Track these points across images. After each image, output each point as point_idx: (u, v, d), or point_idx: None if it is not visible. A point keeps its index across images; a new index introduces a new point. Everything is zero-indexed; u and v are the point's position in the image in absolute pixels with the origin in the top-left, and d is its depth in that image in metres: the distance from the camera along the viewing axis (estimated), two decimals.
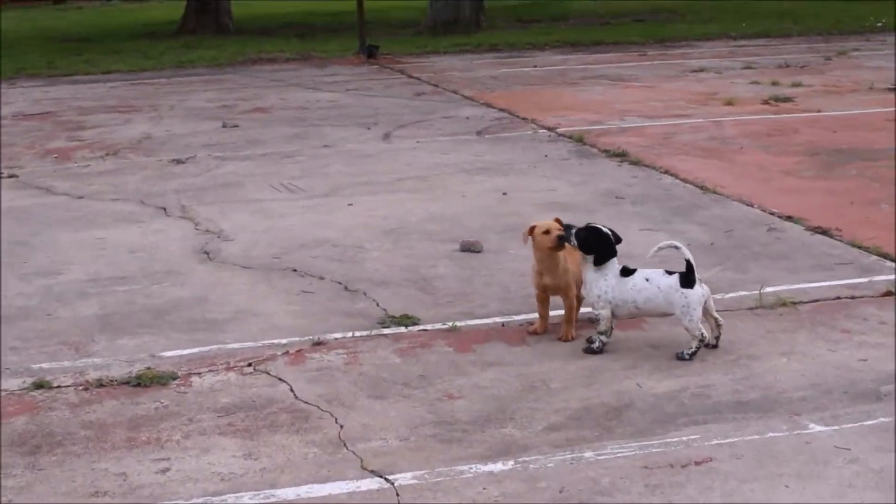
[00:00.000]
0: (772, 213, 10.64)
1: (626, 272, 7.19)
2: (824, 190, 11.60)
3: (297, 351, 7.38)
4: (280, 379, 6.94)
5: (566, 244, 7.33)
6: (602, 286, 7.14)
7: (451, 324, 7.81)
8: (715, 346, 7.17)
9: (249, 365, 7.17)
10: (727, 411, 6.35)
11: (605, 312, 7.17)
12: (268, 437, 6.17)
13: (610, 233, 7.29)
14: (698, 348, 7.09)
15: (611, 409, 6.41)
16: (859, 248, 9.40)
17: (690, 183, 11.94)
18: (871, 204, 10.96)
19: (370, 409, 6.50)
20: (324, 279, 8.88)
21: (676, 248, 7.20)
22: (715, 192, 11.49)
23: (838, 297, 8.21)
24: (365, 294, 8.51)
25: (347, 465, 5.84)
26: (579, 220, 10.59)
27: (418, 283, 8.76)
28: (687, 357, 7.07)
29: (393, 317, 7.98)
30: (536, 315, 7.79)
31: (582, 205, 11.13)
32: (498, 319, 7.94)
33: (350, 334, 7.66)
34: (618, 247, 7.31)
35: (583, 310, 7.74)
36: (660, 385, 6.74)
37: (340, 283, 8.76)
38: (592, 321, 7.64)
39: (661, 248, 7.28)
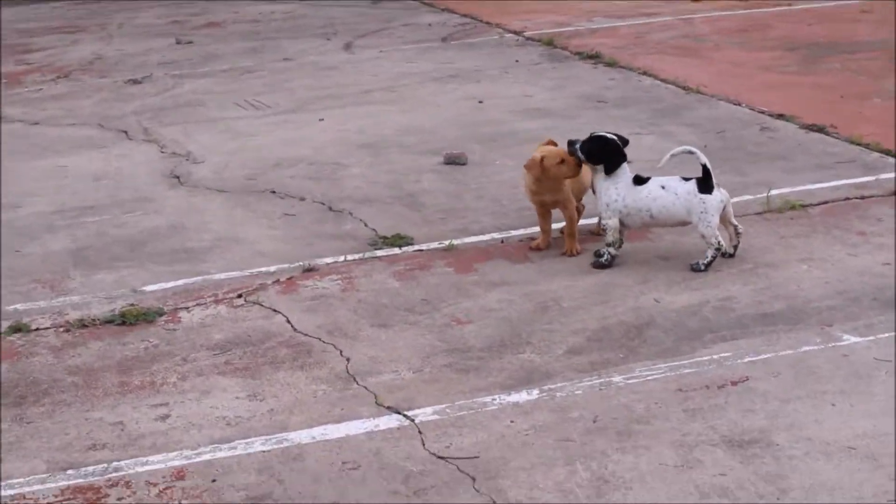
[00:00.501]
0: (761, 112, 10.25)
1: (640, 180, 6.79)
2: (810, 85, 11.22)
3: (288, 279, 6.93)
4: (274, 310, 6.50)
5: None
6: (612, 194, 6.73)
7: (447, 242, 7.39)
8: (732, 255, 6.79)
9: (239, 296, 6.72)
10: (754, 325, 5.99)
11: (612, 222, 6.77)
12: (270, 374, 5.74)
13: (615, 137, 6.86)
14: (714, 258, 6.72)
15: (631, 328, 6.03)
16: (859, 144, 9.05)
17: (671, 83, 11.52)
18: (861, 98, 10.60)
19: (375, 339, 6.08)
20: (304, 200, 8.41)
21: (691, 152, 6.79)
22: (698, 92, 11.07)
23: (847, 198, 7.87)
24: (351, 214, 8.06)
25: (361, 403, 5.43)
26: (564, 127, 10.20)
27: (405, 200, 8.31)
28: (702, 268, 6.70)
29: (384, 237, 7.54)
30: (536, 229, 7.38)
31: (562, 110, 10.69)
32: (496, 235, 7.53)
33: (342, 258, 7.23)
34: (628, 151, 6.88)
35: (583, 221, 7.32)
36: (678, 299, 6.36)
37: (323, 204, 8.30)
38: (593, 233, 7.25)
39: (673, 155, 6.87)
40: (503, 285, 6.69)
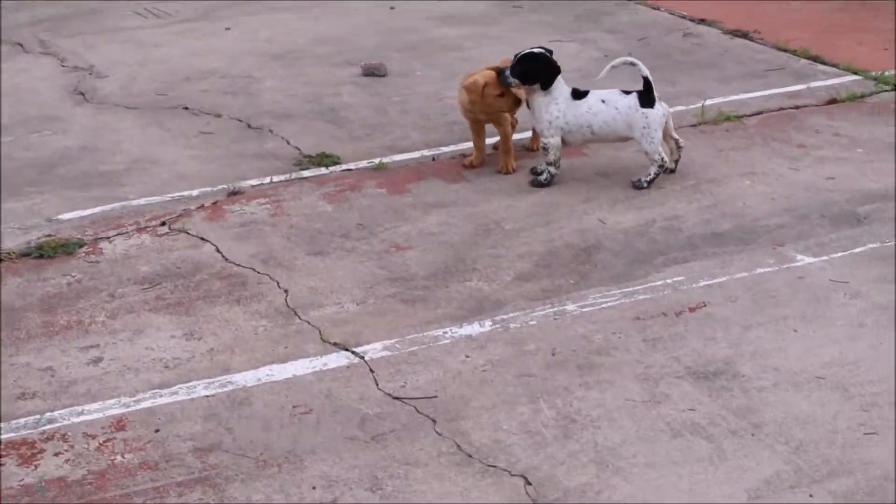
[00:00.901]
0: (682, 17, 10.05)
1: (578, 94, 6.53)
2: None
3: (213, 203, 6.59)
4: (202, 238, 6.17)
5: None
6: (553, 111, 6.47)
7: (376, 161, 7.08)
8: (673, 171, 6.60)
9: (163, 224, 6.37)
10: (705, 245, 5.82)
11: (554, 140, 6.53)
12: (206, 310, 5.43)
13: (543, 51, 6.58)
14: (657, 174, 6.52)
15: (579, 251, 5.82)
16: (785, 51, 8.91)
17: None
18: (779, 0, 10.41)
19: (313, 268, 5.79)
20: (221, 117, 8.02)
21: (632, 64, 6.55)
22: None
23: (781, 108, 7.72)
24: (271, 131, 7.69)
25: (305, 339, 5.15)
26: (485, 34, 9.89)
27: (326, 115, 7.96)
28: (645, 185, 6.51)
29: (310, 156, 7.22)
30: (468, 145, 7.12)
31: (479, 16, 10.36)
32: (426, 153, 7.24)
33: (268, 180, 6.89)
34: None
35: (515, 136, 7.06)
36: (624, 219, 6.16)
37: (240, 121, 7.92)
38: (527, 149, 7.01)
39: (614, 66, 6.61)
40: (440, 207, 6.42)
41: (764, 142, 7.11)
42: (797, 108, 7.67)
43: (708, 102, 7.67)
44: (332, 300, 5.46)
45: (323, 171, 7.01)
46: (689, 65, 8.65)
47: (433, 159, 7.12)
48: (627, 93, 6.47)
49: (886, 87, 7.88)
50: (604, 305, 5.30)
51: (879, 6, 10.03)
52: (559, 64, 6.60)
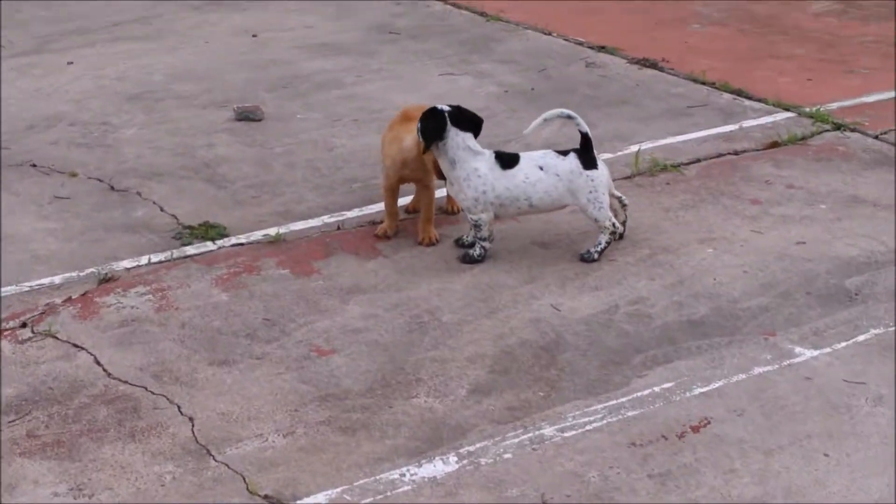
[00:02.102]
0: (580, 44, 9.21)
1: (506, 161, 5.56)
2: (621, 10, 10.21)
3: (83, 295, 5.43)
4: (75, 345, 5.03)
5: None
6: (476, 184, 5.51)
7: (272, 232, 5.97)
8: (622, 236, 5.70)
9: (24, 325, 5.19)
10: (685, 338, 4.95)
11: (485, 216, 5.59)
12: (94, 451, 4.33)
13: (448, 109, 5.63)
14: (608, 243, 5.65)
15: (539, 351, 4.87)
16: (703, 83, 8.16)
17: (465, 8, 10.28)
18: (679, 24, 9.69)
19: (219, 384, 4.72)
20: (77, 175, 6.84)
21: (569, 117, 5.62)
22: (499, 19, 9.89)
23: (720, 154, 6.91)
24: (139, 195, 6.55)
25: (228, 490, 4.09)
26: (365, 67, 8.84)
27: (202, 173, 6.84)
28: (595, 256, 5.62)
29: (190, 227, 6.11)
30: (372, 208, 6.20)
31: (354, 45, 9.33)
32: (328, 220, 6.22)
33: (145, 260, 5.76)
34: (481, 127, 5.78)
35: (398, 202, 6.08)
36: (580, 304, 5.24)
37: (101, 181, 6.75)
38: (445, 211, 6.07)
39: (546, 120, 5.67)
40: (359, 293, 5.39)
41: (713, 197, 6.26)
42: (736, 153, 6.88)
43: (636, 148, 6.77)
44: (252, 430, 4.39)
45: (209, 246, 5.91)
46: (601, 101, 7.78)
47: (338, 228, 6.08)
48: (563, 153, 5.57)
49: (826, 127, 7.13)
50: (588, 427, 4.36)
51: (786, 28, 9.36)
52: (479, 116, 5.63)
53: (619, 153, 6.86)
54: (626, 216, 5.78)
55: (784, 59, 8.59)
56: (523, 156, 5.64)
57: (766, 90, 7.84)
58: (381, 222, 6.05)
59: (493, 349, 4.91)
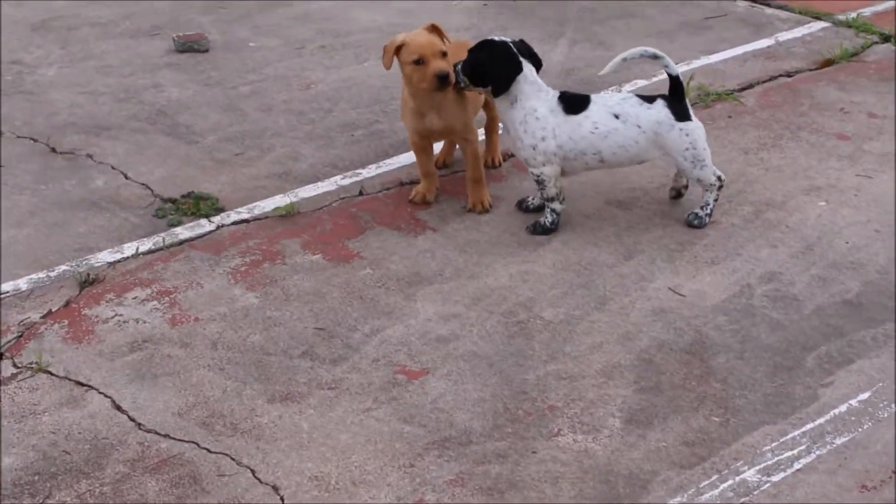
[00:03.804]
0: None
1: (573, 103, 4.54)
2: None
3: (66, 306, 4.22)
4: (79, 382, 3.83)
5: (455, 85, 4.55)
6: (535, 131, 4.51)
7: (283, 203, 4.80)
8: (680, 196, 4.69)
9: (1, 356, 3.89)
10: (852, 327, 4.07)
11: (548, 170, 4.52)
12: None
13: (506, 41, 4.55)
14: (716, 200, 4.59)
15: (685, 356, 3.90)
16: None
17: None
18: None
19: (294, 430, 3.60)
20: (3, 135, 5.43)
21: (655, 57, 4.52)
22: None
23: (771, 77, 6.00)
24: (91, 157, 5.28)
25: None
26: None
27: (159, 123, 5.56)
28: (706, 220, 4.64)
29: (172, 200, 4.89)
30: (393, 162, 5.12)
31: None
32: (342, 182, 5.03)
33: (130, 249, 4.56)
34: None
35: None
36: (703, 286, 4.27)
37: (36, 141, 5.43)
38: (485, 165, 4.91)
39: (625, 60, 4.57)
40: (423, 283, 4.28)
41: (790, 133, 5.30)
42: (789, 75, 5.89)
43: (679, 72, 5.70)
44: (366, 498, 3.23)
45: (204, 225, 4.70)
46: (603, 14, 6.73)
47: (360, 193, 4.87)
48: (649, 100, 4.47)
49: (873, 38, 6.20)
50: (796, 465, 3.42)
51: None
52: (539, 57, 4.55)
53: (654, 79, 5.77)
54: (687, 185, 4.76)
55: None
56: (595, 99, 4.54)
57: None
58: (414, 183, 4.87)
59: (627, 356, 3.85)
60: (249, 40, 6.50)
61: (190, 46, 6.32)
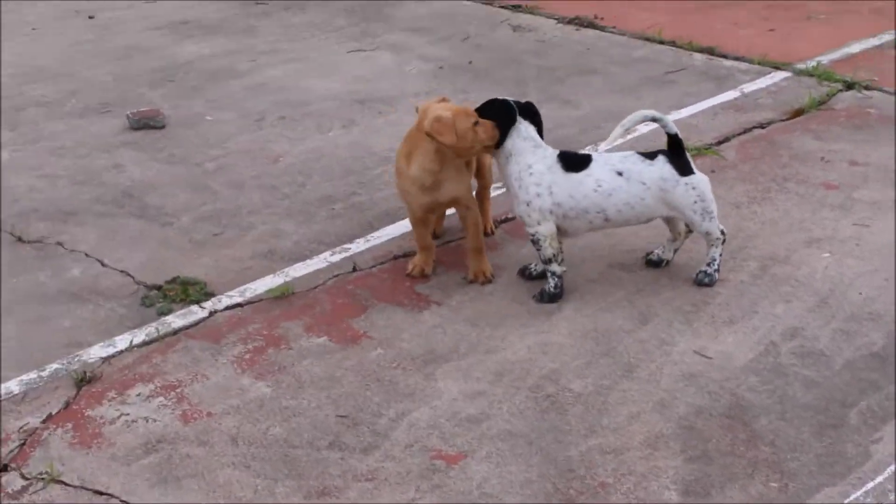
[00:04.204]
0: (487, 2, 7.93)
1: (573, 162, 4.43)
2: None
3: (66, 408, 3.99)
4: (98, 491, 3.63)
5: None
6: (530, 186, 4.41)
7: (274, 284, 4.61)
8: (668, 262, 4.64)
9: (5, 469, 3.70)
10: (885, 381, 3.98)
11: (543, 228, 4.43)
12: None
13: (510, 101, 4.53)
14: (720, 256, 4.52)
15: (725, 421, 3.81)
16: (662, 42, 7.09)
17: None
18: None
19: None
20: None
21: (656, 120, 4.46)
22: None
23: (746, 130, 5.97)
24: (62, 245, 5.06)
25: None
26: (250, 47, 7.36)
27: (126, 205, 5.38)
28: (716, 277, 4.58)
29: (157, 287, 4.70)
30: (378, 236, 5.07)
31: (220, 21, 7.95)
32: (332, 258, 4.87)
33: (123, 342, 4.34)
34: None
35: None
36: (728, 346, 4.20)
37: (0, 230, 5.13)
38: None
39: (626, 129, 4.52)
40: (440, 361, 4.13)
41: (777, 185, 5.27)
42: (762, 126, 5.87)
43: (647, 130, 5.67)
44: None
45: (196, 312, 4.49)
46: (562, 73, 6.65)
47: (353, 269, 4.70)
48: (649, 156, 4.39)
49: (836, 86, 6.23)
50: None
51: None
52: (541, 118, 4.54)
53: (630, 136, 5.70)
54: (682, 244, 4.66)
55: (729, 8, 7.62)
56: (596, 157, 4.44)
57: (737, 46, 6.90)
58: (407, 256, 4.72)
59: (667, 425, 3.73)
60: (205, 114, 6.30)
61: (146, 123, 6.10)
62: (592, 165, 4.43)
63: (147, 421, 3.85)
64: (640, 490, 3.47)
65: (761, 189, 5.25)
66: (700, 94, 6.27)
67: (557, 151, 4.47)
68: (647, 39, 7.05)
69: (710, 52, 6.81)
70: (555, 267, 4.46)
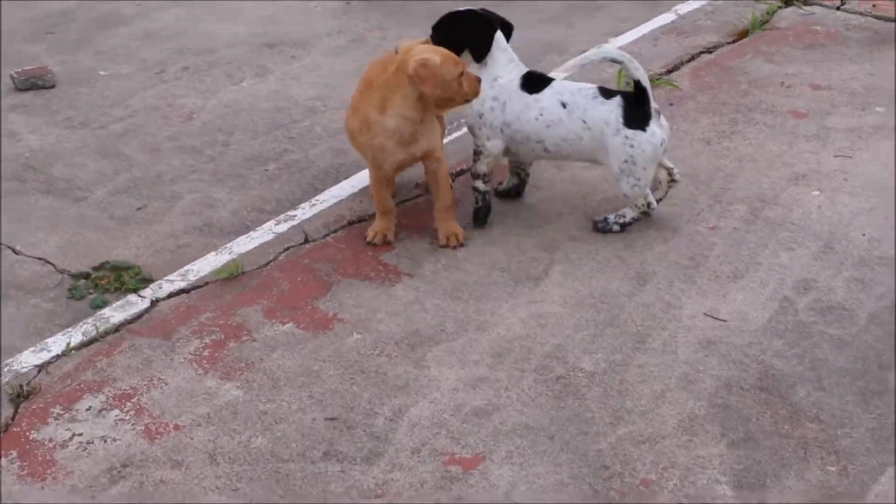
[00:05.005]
0: None
1: (533, 82, 4.11)
2: None
3: (5, 431, 3.44)
4: None
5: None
6: (488, 98, 4.08)
7: (220, 262, 4.09)
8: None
9: None
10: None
11: (491, 145, 4.16)
12: None
13: (482, 13, 4.16)
14: (634, 220, 4.11)
15: (761, 394, 3.47)
16: None
17: None
18: None
19: None
20: None
21: (616, 61, 4.05)
22: None
23: (693, 56, 5.55)
24: None
25: None
26: None
27: (30, 179, 4.81)
28: (616, 229, 4.20)
29: (85, 275, 4.13)
30: (323, 200, 4.59)
31: None
32: (278, 228, 4.37)
33: (57, 345, 3.78)
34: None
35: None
36: (739, 306, 3.89)
37: None
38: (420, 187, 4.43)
39: (584, 65, 4.10)
40: (428, 344, 3.73)
41: (743, 116, 4.94)
42: (709, 51, 5.52)
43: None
44: None
45: (136, 302, 3.96)
46: (478, 4, 6.10)
47: (305, 240, 4.20)
48: (608, 94, 3.98)
49: (775, 2, 5.89)
50: None
51: None
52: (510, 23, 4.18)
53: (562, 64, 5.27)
54: (666, 192, 4.26)
55: None
56: (555, 83, 4.04)
57: None
58: (363, 221, 4.25)
59: (699, 404, 3.35)
60: (98, 69, 5.67)
61: (33, 83, 5.45)
62: (545, 91, 4.13)
63: (105, 441, 3.32)
64: (687, 486, 3.09)
65: (728, 121, 4.89)
66: (634, 19, 5.87)
67: (526, 69, 4.05)
68: None
69: None
70: (479, 183, 4.20)
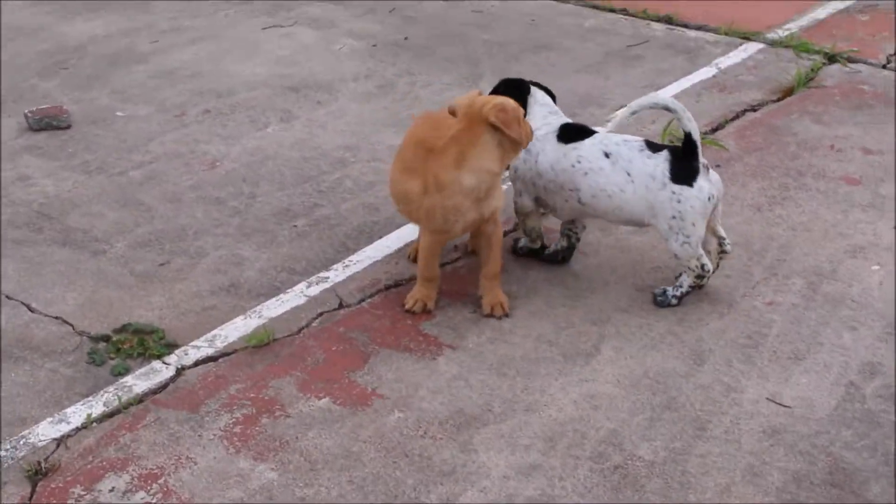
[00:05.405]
0: None
1: (569, 133, 3.95)
2: None
3: None
4: None
5: None
6: (521, 153, 3.96)
7: (248, 328, 3.85)
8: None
9: None
10: None
11: (521, 201, 4.17)
12: None
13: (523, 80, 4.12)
14: (693, 288, 3.92)
15: (831, 490, 3.26)
16: (612, 11, 6.45)
17: None
18: None
19: None
20: None
21: (668, 109, 3.85)
22: None
23: (738, 115, 5.35)
24: None
25: None
26: (148, 23, 6.49)
27: (45, 229, 4.54)
28: (674, 302, 3.97)
29: (105, 338, 3.87)
30: (358, 260, 4.22)
31: None
32: (309, 291, 4.14)
33: (77, 417, 3.54)
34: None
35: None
36: (802, 390, 3.65)
37: None
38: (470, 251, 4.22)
39: (634, 113, 3.90)
40: (474, 425, 3.49)
41: (795, 181, 4.73)
42: (754, 109, 5.28)
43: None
44: None
45: (161, 370, 3.71)
46: (514, 48, 5.99)
47: (340, 305, 3.96)
48: (655, 148, 3.75)
49: (817, 59, 5.69)
50: None
51: None
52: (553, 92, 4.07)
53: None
54: (719, 263, 4.04)
55: None
56: (600, 135, 3.89)
57: (695, 13, 6.33)
58: (399, 285, 4.02)
59: (766, 500, 3.11)
60: (115, 108, 5.45)
61: (48, 123, 5.23)
62: (586, 140, 3.92)
63: None
64: None
65: (778, 186, 4.67)
66: (674, 72, 5.66)
67: (565, 121, 3.85)
68: (595, 7, 6.38)
69: (668, 20, 6.20)
70: (528, 242, 4.16)
